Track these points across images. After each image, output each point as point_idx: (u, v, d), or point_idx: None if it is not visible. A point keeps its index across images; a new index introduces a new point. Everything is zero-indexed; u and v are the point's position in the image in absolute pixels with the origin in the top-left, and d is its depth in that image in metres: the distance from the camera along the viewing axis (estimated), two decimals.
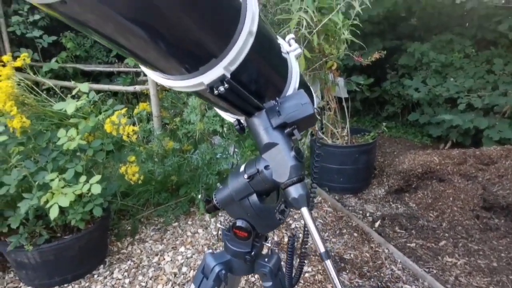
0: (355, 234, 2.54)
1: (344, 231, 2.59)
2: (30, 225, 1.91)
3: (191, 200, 2.80)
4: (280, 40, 0.93)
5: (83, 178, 1.89)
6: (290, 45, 0.93)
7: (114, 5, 0.45)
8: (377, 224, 2.68)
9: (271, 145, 0.79)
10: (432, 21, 4.80)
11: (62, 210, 1.82)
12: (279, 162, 0.78)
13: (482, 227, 2.54)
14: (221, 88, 0.64)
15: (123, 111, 2.09)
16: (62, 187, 1.81)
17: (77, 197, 1.84)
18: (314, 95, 1.09)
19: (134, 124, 2.24)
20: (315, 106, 1.07)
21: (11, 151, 1.86)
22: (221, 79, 0.64)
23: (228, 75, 0.65)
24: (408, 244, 2.44)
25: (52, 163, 1.94)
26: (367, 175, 3.28)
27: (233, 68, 0.65)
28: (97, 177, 1.89)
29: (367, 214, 2.85)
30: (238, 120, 0.88)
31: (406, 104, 4.78)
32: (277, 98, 0.81)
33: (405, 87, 4.37)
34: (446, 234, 2.51)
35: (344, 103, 3.24)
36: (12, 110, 1.78)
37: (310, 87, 1.12)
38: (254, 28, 0.65)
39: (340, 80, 3.37)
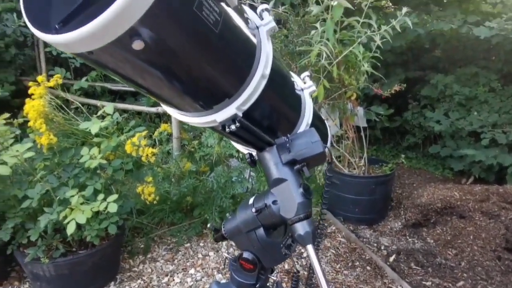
0: (368, 268, 2.47)
1: (357, 263, 2.53)
2: (48, 238, 1.98)
3: (204, 222, 2.82)
4: (294, 78, 0.96)
5: (101, 196, 1.95)
6: (304, 82, 0.96)
7: (136, 53, 0.49)
8: (391, 259, 2.60)
9: (280, 181, 0.81)
10: (457, 54, 4.75)
11: (79, 226, 1.88)
12: (287, 198, 0.79)
13: (503, 269, 2.43)
14: (233, 127, 0.67)
15: (144, 133, 2.17)
16: (81, 204, 1.87)
17: (94, 214, 1.90)
18: (333, 124, 1.11)
19: (154, 145, 2.30)
20: (331, 135, 1.09)
21: (37, 166, 1.96)
22: (233, 118, 0.67)
23: (240, 114, 0.68)
24: (424, 282, 2.35)
25: (73, 180, 2.01)
26: (383, 207, 3.21)
27: (245, 107, 0.68)
28: (114, 196, 1.94)
29: (382, 248, 2.78)
30: (250, 154, 0.91)
31: (427, 135, 4.68)
32: (288, 135, 0.83)
33: (427, 119, 4.30)
34: (465, 275, 2.41)
35: (362, 133, 3.23)
36: (41, 127, 1.89)
37: (325, 121, 1.14)
38: (267, 71, 0.68)
39: (360, 110, 3.37)
